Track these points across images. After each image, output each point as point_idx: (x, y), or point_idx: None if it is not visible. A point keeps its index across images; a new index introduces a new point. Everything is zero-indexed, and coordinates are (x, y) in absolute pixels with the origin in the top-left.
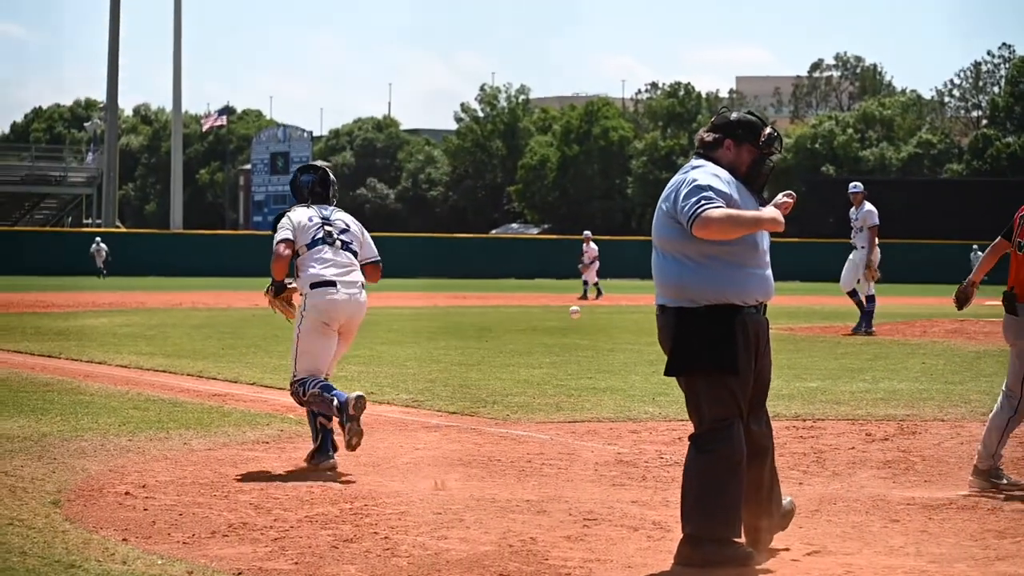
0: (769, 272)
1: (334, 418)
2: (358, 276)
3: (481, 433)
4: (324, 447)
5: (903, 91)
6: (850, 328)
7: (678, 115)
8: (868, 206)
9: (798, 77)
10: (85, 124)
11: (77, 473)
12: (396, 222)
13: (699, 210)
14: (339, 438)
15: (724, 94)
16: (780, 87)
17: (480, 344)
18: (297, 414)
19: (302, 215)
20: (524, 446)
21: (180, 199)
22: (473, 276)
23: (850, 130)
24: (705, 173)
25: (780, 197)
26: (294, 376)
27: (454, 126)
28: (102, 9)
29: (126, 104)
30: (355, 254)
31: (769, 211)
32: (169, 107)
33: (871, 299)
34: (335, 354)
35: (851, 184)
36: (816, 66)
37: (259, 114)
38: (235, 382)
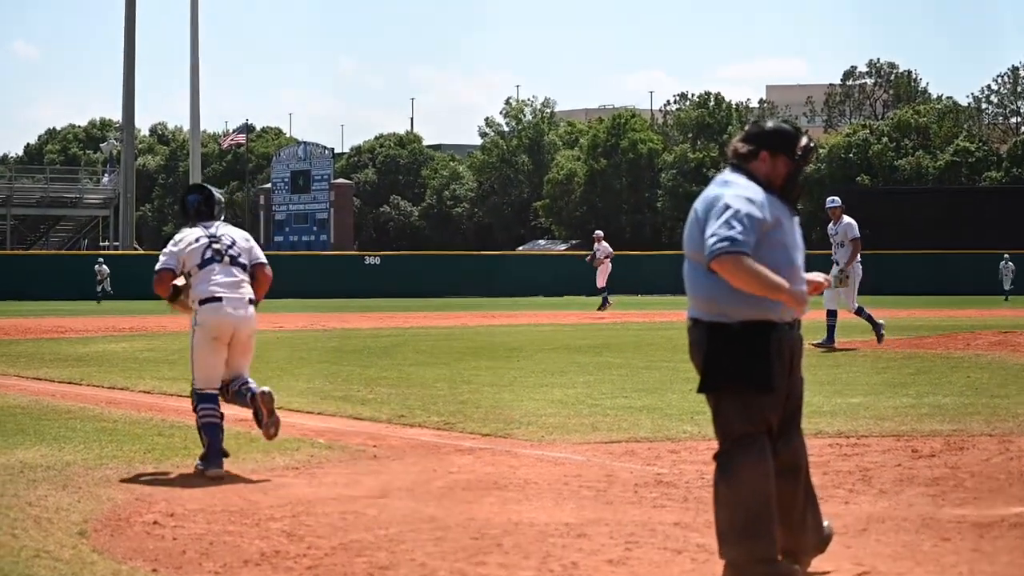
0: (805, 288)
1: (257, 413)
2: (246, 291)
3: (516, 455)
4: (210, 455)
5: (939, 98)
6: (890, 341)
7: (708, 126)
8: (847, 219)
9: (831, 85)
10: (101, 145)
11: (103, 502)
12: (420, 240)
13: (725, 248)
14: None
15: (754, 104)
16: (812, 96)
17: (511, 364)
18: (327, 439)
19: (189, 237)
20: (561, 468)
21: None
22: (501, 294)
23: (885, 139)
24: (739, 195)
25: (814, 275)
26: (193, 384)
27: (478, 141)
28: (117, 26)
29: (143, 123)
30: (244, 267)
31: (795, 289)
32: (186, 126)
33: (832, 313)
34: (237, 366)
35: (828, 199)
36: (849, 74)
37: (279, 132)
38: None
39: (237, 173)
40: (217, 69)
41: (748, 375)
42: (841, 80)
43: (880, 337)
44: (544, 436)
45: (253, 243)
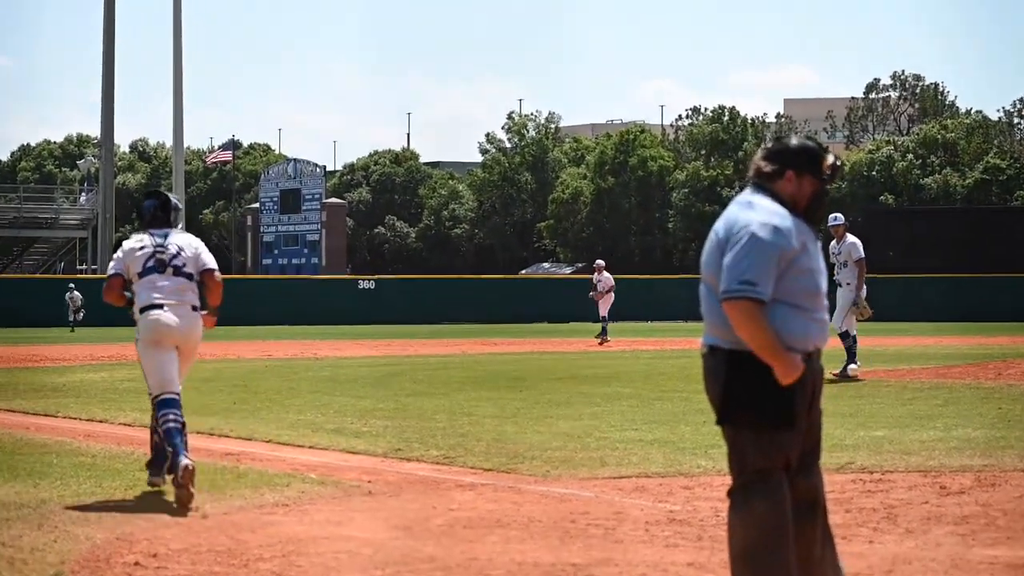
0: (827, 316)
1: (178, 457)
2: (190, 299)
3: (520, 491)
4: (157, 462)
5: (967, 112)
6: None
7: (722, 142)
8: (851, 238)
9: (852, 99)
10: (78, 162)
11: (81, 542)
12: (417, 262)
13: (743, 293)
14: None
15: (772, 119)
16: (833, 110)
17: (514, 394)
18: (319, 474)
19: (134, 244)
20: (567, 505)
21: None
22: (502, 320)
23: (910, 155)
24: (766, 223)
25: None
26: (149, 392)
27: (479, 158)
28: (95, 37)
29: (122, 139)
30: (190, 276)
31: (792, 359)
32: (169, 142)
33: (847, 336)
34: (172, 373)
35: (831, 216)
36: (872, 87)
37: (267, 148)
38: (249, 439)
39: (223, 192)
40: (201, 82)
41: (769, 409)
42: (863, 93)
43: (844, 373)
44: (549, 471)
45: (202, 250)
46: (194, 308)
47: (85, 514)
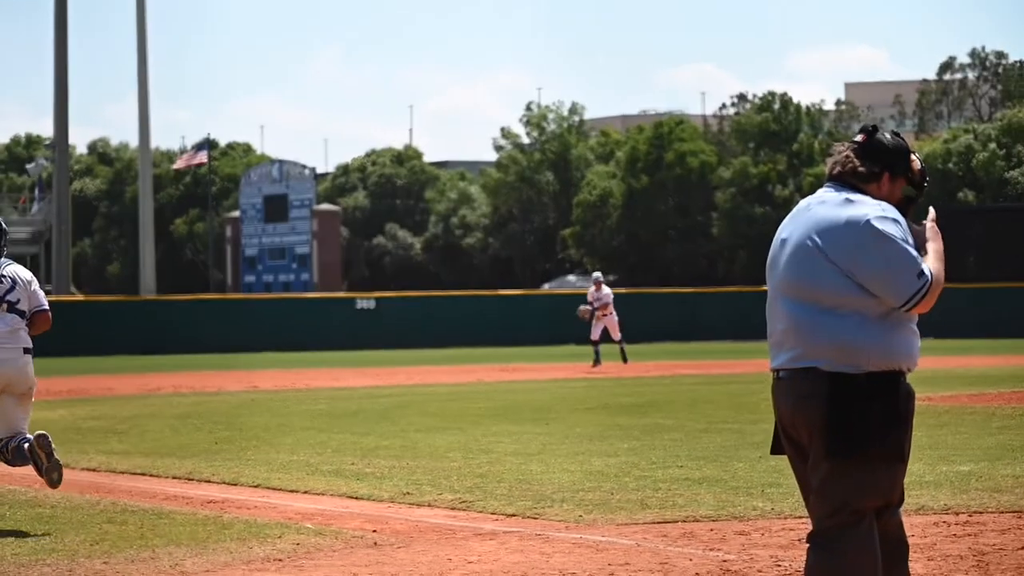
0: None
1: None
2: (20, 340)
3: (548, 540)
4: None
5: None
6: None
7: (773, 134)
8: None
9: (923, 81)
10: (27, 166)
11: None
12: (424, 277)
13: (924, 288)
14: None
15: (830, 106)
16: (901, 94)
17: (539, 428)
18: (316, 523)
19: None
20: (604, 555)
21: (151, 257)
22: (523, 343)
23: (992, 145)
24: (887, 216)
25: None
26: None
27: (492, 156)
28: (45, 23)
29: (79, 140)
30: (23, 314)
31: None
32: (133, 142)
33: None
34: (13, 419)
35: None
36: (946, 66)
37: (248, 148)
38: (234, 484)
39: (198, 199)
40: (170, 72)
41: (886, 440)
42: (936, 75)
43: None
44: (582, 516)
45: (36, 287)
46: (26, 351)
47: (44, 574)
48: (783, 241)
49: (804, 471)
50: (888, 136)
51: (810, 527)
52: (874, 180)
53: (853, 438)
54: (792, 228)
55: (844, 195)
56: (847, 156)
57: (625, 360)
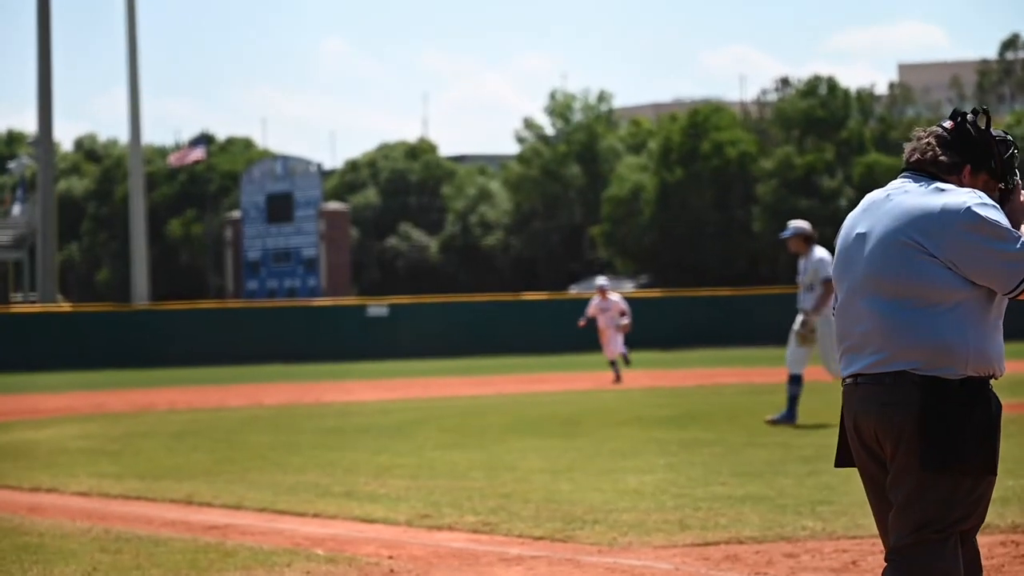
0: None
1: None
2: None
3: (580, 565)
4: None
5: None
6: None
7: (819, 121)
8: (819, 253)
9: (984, 61)
10: (9, 165)
11: None
12: (441, 280)
13: None
14: None
15: (882, 89)
16: (960, 75)
17: (568, 443)
18: (327, 549)
19: None
20: None
21: (144, 261)
22: (549, 351)
23: None
24: (985, 203)
25: None
26: None
27: (514, 149)
28: (27, 8)
29: (64, 136)
30: None
31: None
32: (123, 138)
33: (796, 380)
34: None
35: (790, 223)
36: (1009, 44)
37: (248, 143)
38: (238, 508)
39: (195, 199)
40: (163, 63)
41: (983, 452)
42: (998, 53)
43: (776, 421)
44: (616, 538)
45: None
46: None
47: None
48: (860, 235)
49: (878, 485)
50: (982, 126)
51: (879, 547)
52: (955, 172)
53: (949, 449)
54: (872, 221)
55: (935, 184)
56: (928, 143)
57: (617, 377)
